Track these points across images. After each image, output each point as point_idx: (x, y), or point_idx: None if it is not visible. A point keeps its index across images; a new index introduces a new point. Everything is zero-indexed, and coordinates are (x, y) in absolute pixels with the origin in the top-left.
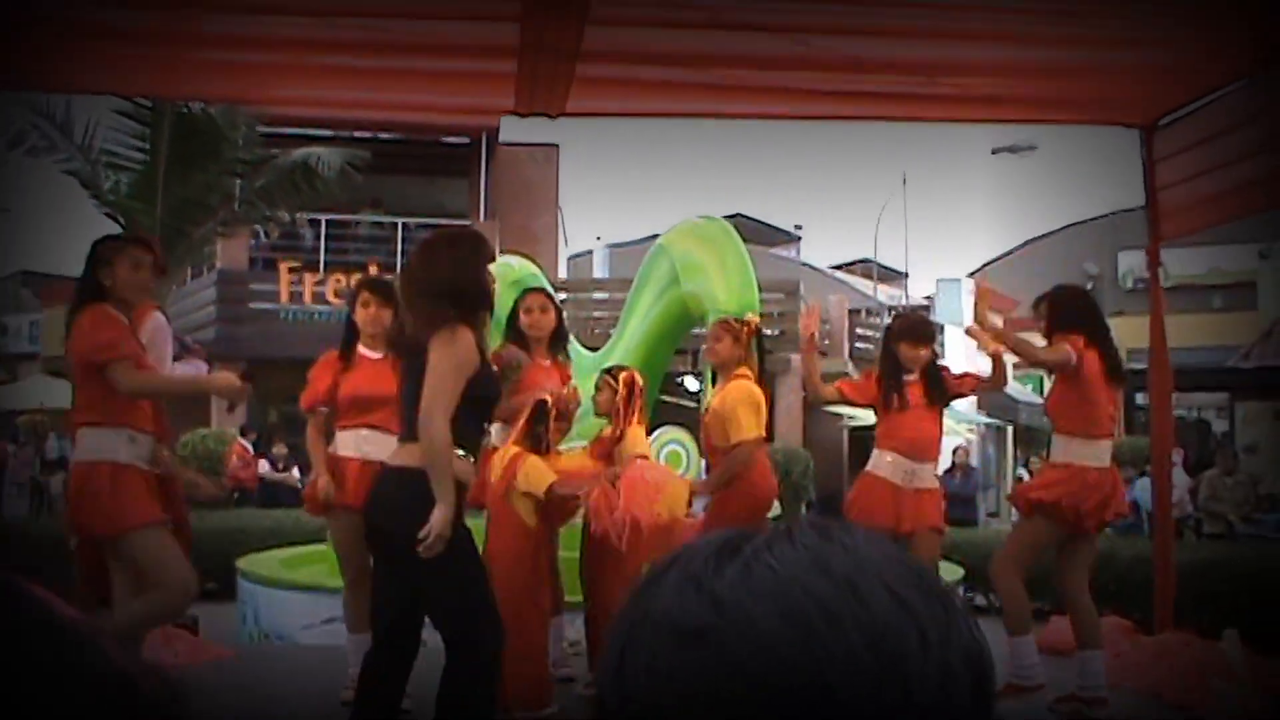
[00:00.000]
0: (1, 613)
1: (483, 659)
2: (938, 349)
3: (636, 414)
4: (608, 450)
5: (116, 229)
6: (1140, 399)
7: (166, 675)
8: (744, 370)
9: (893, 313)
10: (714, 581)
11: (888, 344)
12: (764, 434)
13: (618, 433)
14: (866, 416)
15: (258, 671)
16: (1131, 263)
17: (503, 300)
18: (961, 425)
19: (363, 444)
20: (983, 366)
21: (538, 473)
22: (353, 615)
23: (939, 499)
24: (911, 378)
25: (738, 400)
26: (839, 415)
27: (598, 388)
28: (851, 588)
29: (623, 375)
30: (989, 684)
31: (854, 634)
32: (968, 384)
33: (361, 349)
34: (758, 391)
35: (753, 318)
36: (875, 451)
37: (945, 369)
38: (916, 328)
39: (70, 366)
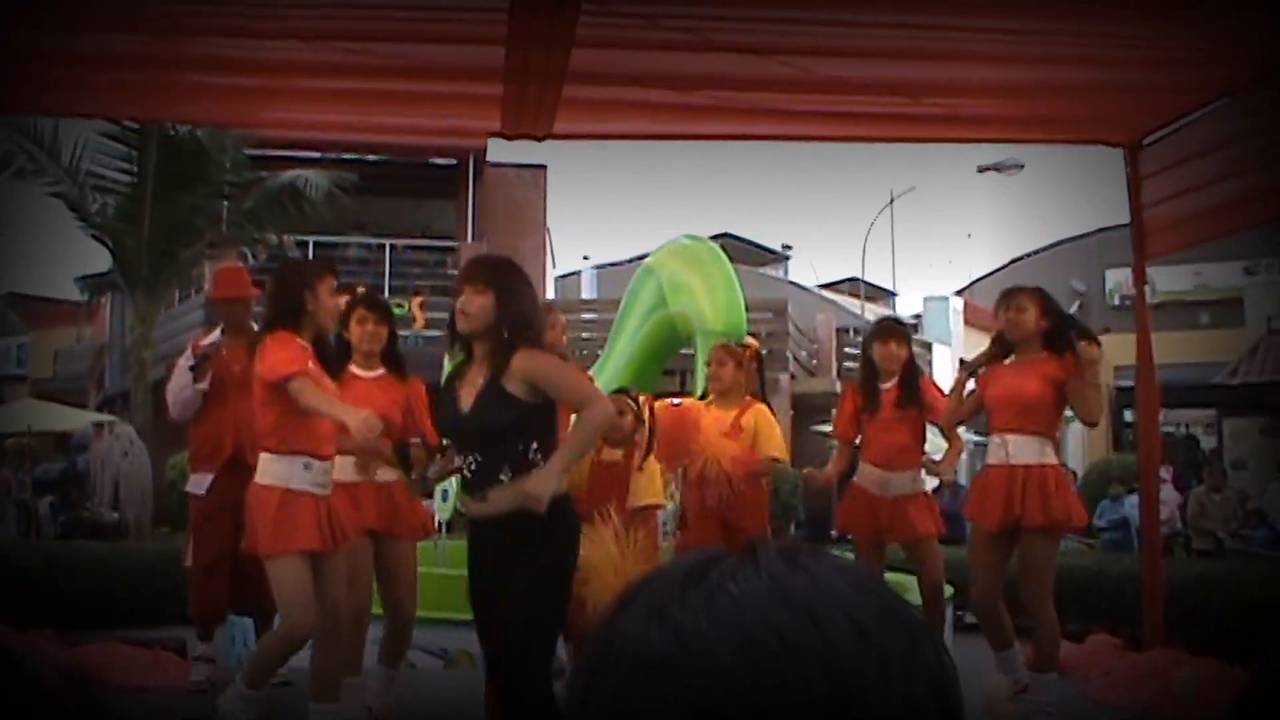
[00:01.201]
0: None
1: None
2: (916, 355)
3: (653, 440)
4: (620, 478)
5: (104, 252)
6: (1128, 415)
7: (90, 688)
8: (750, 395)
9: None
10: (677, 610)
11: (864, 351)
12: None
13: (639, 463)
14: None
15: None
16: (1119, 280)
17: None
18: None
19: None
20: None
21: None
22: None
23: (925, 505)
24: (888, 385)
25: (770, 422)
26: (827, 434)
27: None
28: (811, 617)
29: (643, 399)
30: (956, 711)
31: (812, 665)
32: (941, 405)
33: (353, 368)
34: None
35: (753, 342)
36: (859, 464)
37: (925, 378)
38: (887, 326)
39: (256, 392)
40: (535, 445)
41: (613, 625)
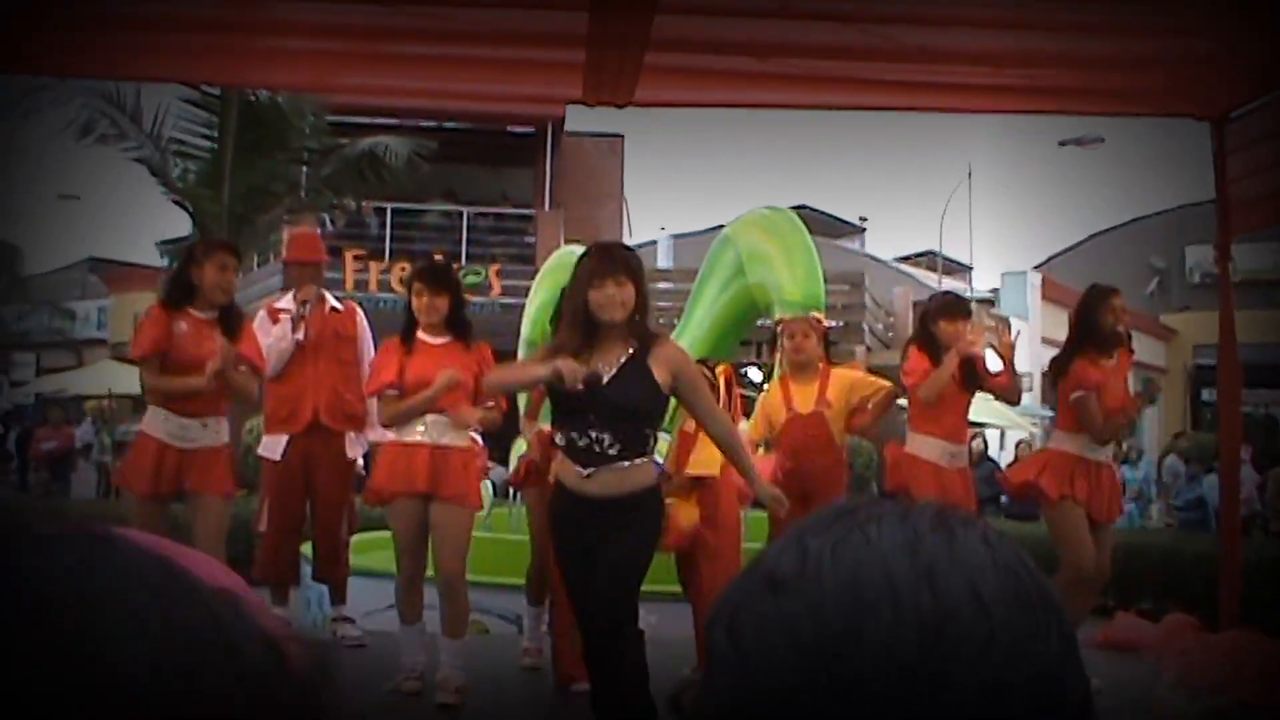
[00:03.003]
0: (148, 585)
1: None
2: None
3: (736, 410)
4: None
5: (184, 217)
6: (1207, 395)
7: (316, 645)
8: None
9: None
10: (812, 539)
11: (924, 325)
12: None
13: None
14: None
15: None
16: (1198, 257)
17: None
18: (1025, 418)
19: (430, 429)
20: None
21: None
22: (405, 605)
23: (970, 476)
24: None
25: (857, 377)
26: (902, 407)
27: None
28: (929, 575)
29: (720, 369)
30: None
31: (909, 620)
32: (998, 382)
33: (421, 335)
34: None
35: (821, 317)
36: (912, 434)
37: (980, 357)
38: (952, 304)
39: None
40: (652, 434)
41: (768, 548)
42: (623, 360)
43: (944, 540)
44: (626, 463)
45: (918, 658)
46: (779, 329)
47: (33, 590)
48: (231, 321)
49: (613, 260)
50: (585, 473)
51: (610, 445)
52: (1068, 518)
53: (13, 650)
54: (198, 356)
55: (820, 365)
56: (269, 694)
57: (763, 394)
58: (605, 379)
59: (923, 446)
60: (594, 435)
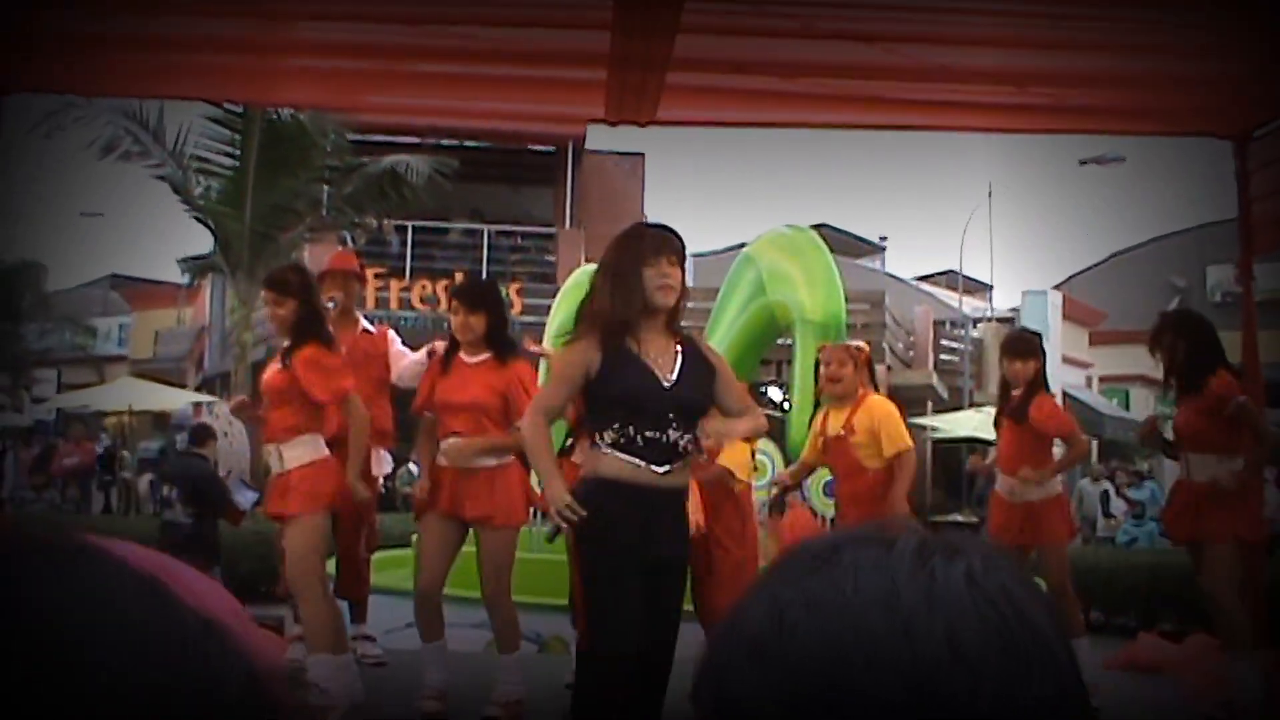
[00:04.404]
0: (129, 607)
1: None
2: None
3: None
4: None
5: (206, 234)
6: None
7: (297, 681)
8: (864, 391)
9: (977, 325)
10: (786, 592)
11: (1001, 362)
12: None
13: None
14: (951, 428)
15: None
16: (1220, 276)
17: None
18: None
19: (448, 454)
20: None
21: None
22: (422, 621)
23: (1055, 510)
24: (1018, 393)
25: (886, 415)
26: (923, 427)
27: None
28: (908, 630)
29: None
30: None
31: (890, 681)
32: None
33: (460, 354)
34: (892, 405)
35: (864, 345)
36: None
37: (1042, 398)
38: (1015, 342)
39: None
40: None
41: (746, 595)
42: (680, 355)
43: (923, 585)
44: (688, 454)
45: (901, 716)
46: (820, 355)
47: (13, 599)
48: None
49: (668, 239)
50: (662, 470)
51: (686, 441)
52: None
53: None
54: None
55: (859, 392)
56: None
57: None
58: (673, 376)
59: (999, 481)
60: (671, 434)
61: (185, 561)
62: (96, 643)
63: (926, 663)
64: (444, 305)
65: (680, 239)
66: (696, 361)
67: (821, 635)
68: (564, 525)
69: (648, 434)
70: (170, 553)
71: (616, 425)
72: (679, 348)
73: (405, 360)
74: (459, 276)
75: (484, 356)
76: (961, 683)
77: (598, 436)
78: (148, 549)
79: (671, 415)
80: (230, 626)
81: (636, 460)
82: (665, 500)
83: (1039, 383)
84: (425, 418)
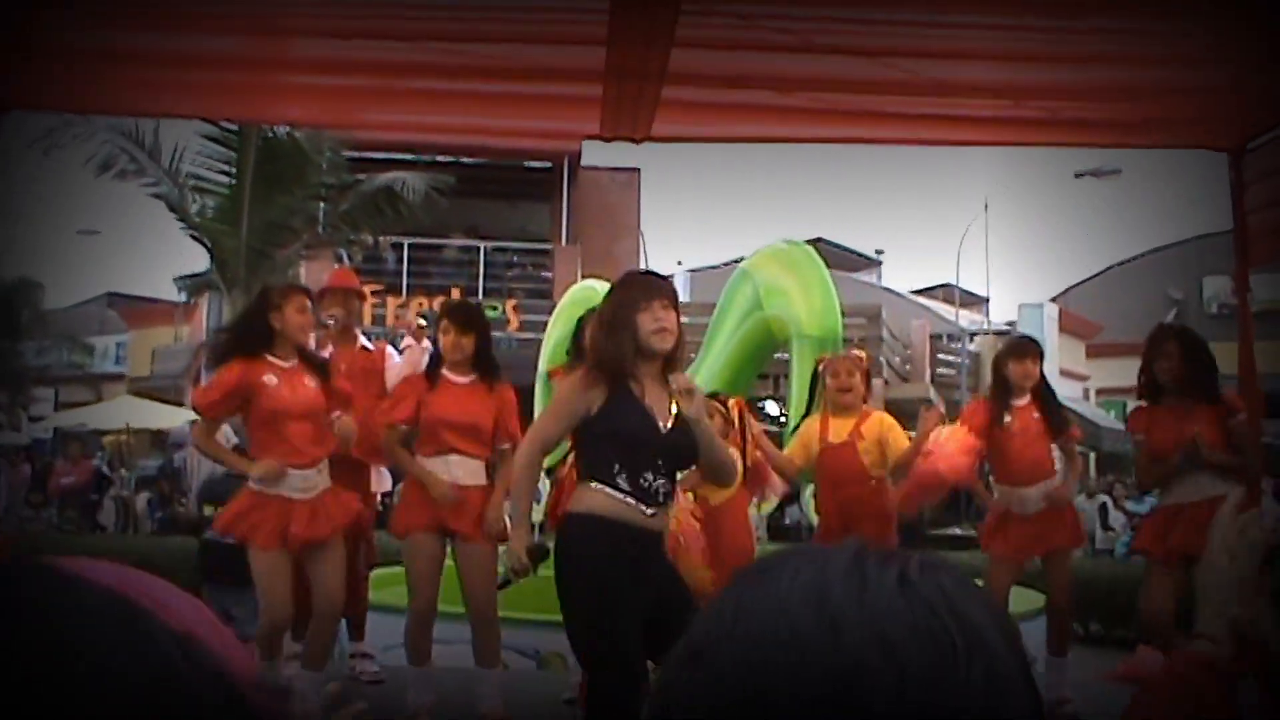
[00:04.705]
0: (102, 624)
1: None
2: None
3: (751, 443)
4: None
5: (202, 252)
6: None
7: (280, 694)
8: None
9: (974, 338)
10: (729, 594)
11: (996, 369)
12: None
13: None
14: None
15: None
16: (1216, 288)
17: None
18: None
19: (452, 469)
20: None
21: None
22: (418, 647)
23: (1063, 517)
24: (1021, 402)
25: (893, 425)
26: None
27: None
28: (835, 627)
29: (732, 402)
30: None
31: (815, 677)
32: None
33: (446, 372)
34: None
35: (863, 353)
36: (998, 486)
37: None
38: (1020, 343)
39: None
40: None
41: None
42: (670, 401)
43: (854, 586)
44: (673, 504)
45: (828, 712)
46: (821, 368)
47: None
48: (317, 364)
49: (659, 284)
50: (650, 512)
51: (668, 489)
52: None
53: None
54: (294, 405)
55: (862, 406)
56: None
57: (804, 424)
58: (666, 424)
59: (1008, 497)
60: (658, 480)
61: (228, 581)
62: (65, 664)
63: (853, 661)
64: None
65: (672, 284)
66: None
67: (751, 638)
68: (513, 577)
69: (638, 476)
70: (211, 572)
71: (610, 464)
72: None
73: (394, 369)
74: (455, 293)
75: (471, 378)
76: (888, 679)
77: (590, 473)
78: (116, 564)
79: (661, 461)
80: (207, 640)
81: (627, 499)
82: (651, 540)
83: (1050, 386)
84: (398, 429)
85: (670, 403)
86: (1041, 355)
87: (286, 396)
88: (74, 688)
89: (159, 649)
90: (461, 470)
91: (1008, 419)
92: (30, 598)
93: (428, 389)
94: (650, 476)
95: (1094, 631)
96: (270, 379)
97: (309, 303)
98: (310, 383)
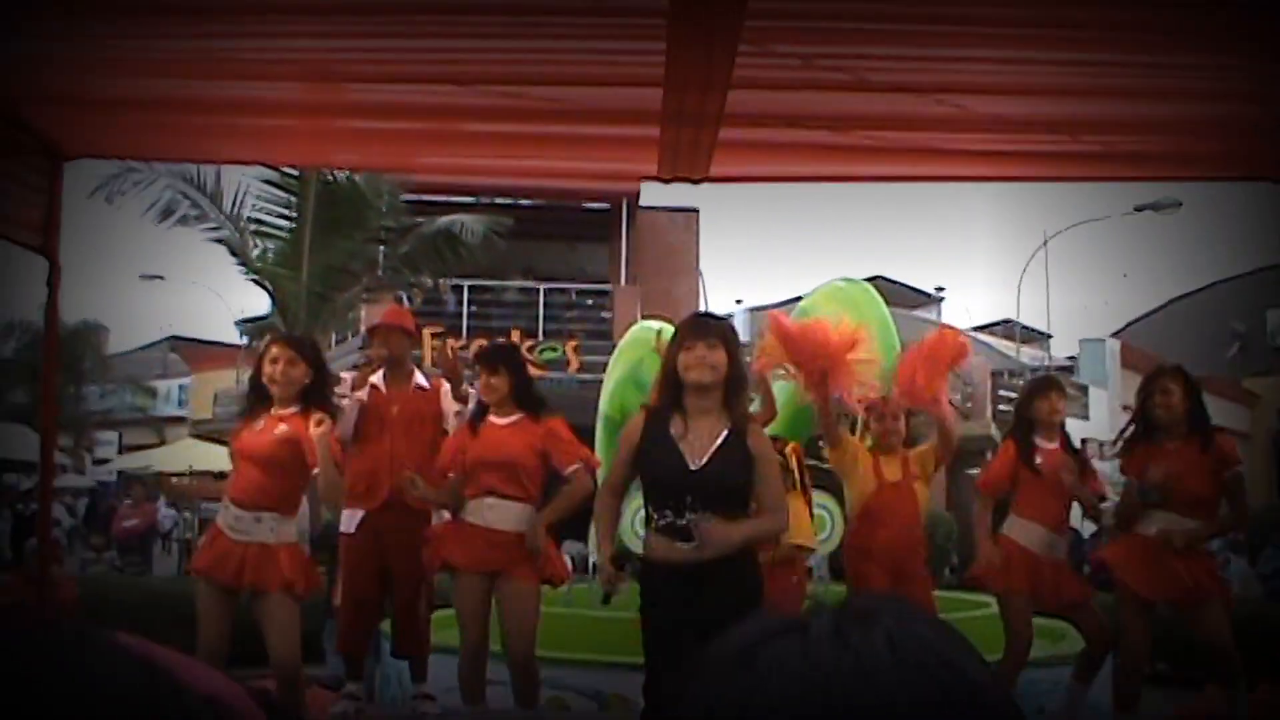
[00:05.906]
0: (130, 685)
1: None
2: (1072, 398)
3: (806, 487)
4: None
5: (263, 295)
6: None
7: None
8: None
9: (1035, 375)
10: (713, 694)
11: (1019, 411)
12: None
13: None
14: None
15: None
16: (1279, 320)
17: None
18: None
19: (484, 511)
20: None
21: None
22: (469, 685)
23: (1072, 569)
24: (1052, 445)
25: (921, 449)
26: None
27: None
28: (846, 711)
29: (790, 448)
30: None
31: None
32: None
33: (491, 415)
34: None
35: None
36: (1014, 518)
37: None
38: (1041, 380)
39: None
40: (744, 514)
41: (679, 696)
42: (721, 437)
43: (849, 663)
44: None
45: None
46: (865, 409)
47: (14, 682)
48: (319, 405)
49: (704, 324)
50: (689, 546)
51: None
52: None
53: None
54: (247, 445)
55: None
56: None
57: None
58: (699, 460)
59: (1022, 532)
60: (688, 515)
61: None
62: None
63: None
64: None
65: (719, 323)
66: (736, 447)
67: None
68: (609, 589)
69: (668, 513)
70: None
71: (648, 504)
72: (726, 430)
73: (450, 407)
74: (514, 335)
75: (516, 417)
76: None
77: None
78: (142, 639)
79: (690, 498)
80: (231, 703)
81: (666, 537)
82: (703, 572)
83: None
84: (450, 479)
85: (717, 431)
86: (1064, 391)
87: (246, 438)
88: None
89: (187, 708)
90: (494, 514)
91: (1039, 460)
92: (62, 659)
93: (470, 435)
94: (678, 513)
95: (1160, 670)
96: (254, 425)
97: (289, 352)
98: (278, 430)
